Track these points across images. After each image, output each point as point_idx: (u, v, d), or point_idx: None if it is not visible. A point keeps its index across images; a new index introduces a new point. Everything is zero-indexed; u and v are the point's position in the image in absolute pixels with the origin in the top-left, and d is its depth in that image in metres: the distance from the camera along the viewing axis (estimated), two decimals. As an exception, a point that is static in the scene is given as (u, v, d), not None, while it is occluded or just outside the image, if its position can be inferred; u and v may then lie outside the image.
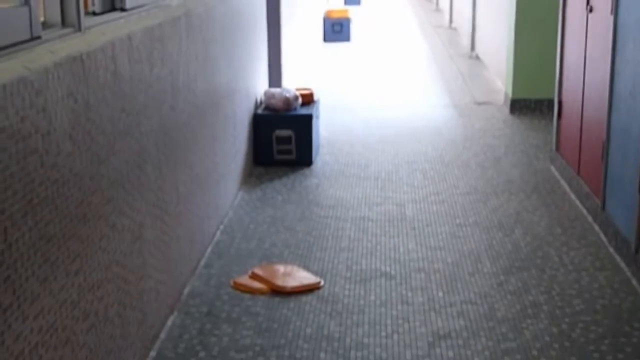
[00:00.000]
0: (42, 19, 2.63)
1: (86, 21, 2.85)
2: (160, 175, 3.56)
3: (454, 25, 14.77)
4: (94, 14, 3.05)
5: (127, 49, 3.07)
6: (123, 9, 3.27)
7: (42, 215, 2.34)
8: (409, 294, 4.04)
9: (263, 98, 6.31)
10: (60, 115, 2.44)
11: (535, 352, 3.47)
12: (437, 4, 18.68)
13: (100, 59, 2.78)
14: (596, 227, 4.83)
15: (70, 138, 2.52)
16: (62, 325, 2.50)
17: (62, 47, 2.56)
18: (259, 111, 6.18)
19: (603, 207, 4.73)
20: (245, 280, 4.15)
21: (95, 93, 2.73)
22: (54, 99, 2.40)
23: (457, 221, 5.03)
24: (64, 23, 2.72)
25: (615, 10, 4.50)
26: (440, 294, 4.04)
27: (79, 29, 2.77)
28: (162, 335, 3.61)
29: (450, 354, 3.46)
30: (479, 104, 8.50)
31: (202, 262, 4.38)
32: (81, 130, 2.61)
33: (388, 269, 4.34)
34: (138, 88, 3.22)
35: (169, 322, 3.72)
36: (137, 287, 3.25)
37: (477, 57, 11.24)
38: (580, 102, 5.29)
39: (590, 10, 5.04)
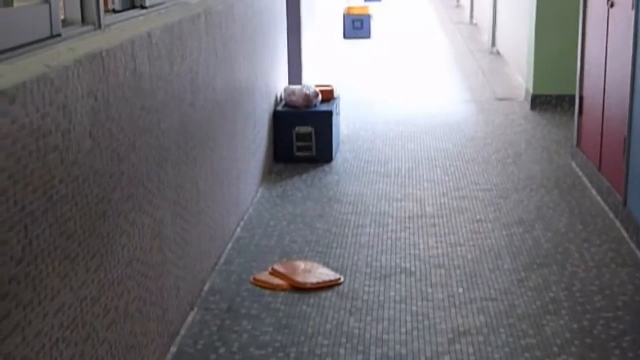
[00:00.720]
0: (62, 17, 2.64)
1: (106, 19, 2.85)
2: (180, 172, 3.57)
3: (474, 21, 14.72)
4: (114, 11, 3.06)
5: (147, 47, 3.08)
6: (143, 7, 3.28)
7: (63, 212, 2.35)
8: (429, 291, 4.03)
9: (283, 95, 6.31)
10: (80, 112, 2.45)
11: (556, 349, 3.45)
12: (458, 0, 18.62)
13: (120, 56, 2.79)
14: (618, 224, 4.80)
15: (90, 135, 2.53)
16: (83, 322, 2.51)
17: (82, 45, 2.57)
18: (279, 108, 6.19)
19: (625, 203, 4.71)
20: (265, 276, 4.15)
21: (115, 91, 2.74)
22: (74, 97, 2.41)
23: (478, 217, 5.02)
24: (84, 21, 2.73)
25: (637, 6, 4.48)
26: (461, 290, 4.03)
27: (99, 27, 2.78)
28: (183, 332, 3.62)
29: (471, 350, 3.46)
30: (500, 100, 8.47)
31: (223, 259, 4.40)
32: (101, 128, 2.62)
33: (408, 265, 4.33)
34: (158, 86, 3.23)
35: (190, 319, 3.73)
36: (157, 284, 3.26)
37: (498, 53, 11.20)
38: (602, 98, 5.26)
39: (612, 6, 5.01)
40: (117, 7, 3.09)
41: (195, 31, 3.82)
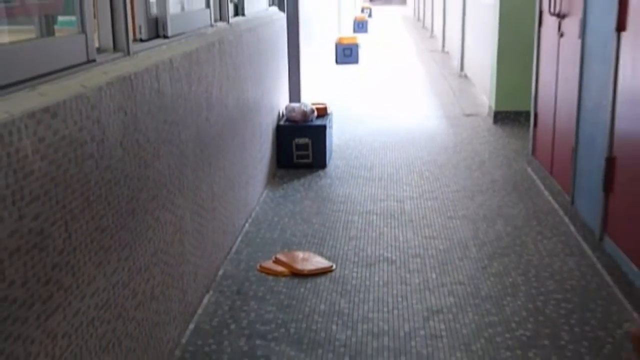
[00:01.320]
0: (96, 44, 2.64)
1: (134, 47, 2.85)
2: (197, 176, 3.56)
3: (446, 49, 14.74)
4: (141, 40, 3.05)
5: (169, 70, 3.07)
6: (165, 37, 3.27)
7: (97, 210, 2.34)
8: (407, 276, 4.02)
9: (284, 111, 6.31)
10: (112, 126, 2.44)
11: (514, 325, 3.44)
12: (432, 31, 18.63)
13: (146, 78, 2.78)
14: (566, 220, 4.80)
15: (120, 145, 2.52)
16: (115, 303, 2.50)
17: (113, 68, 2.56)
18: (281, 122, 6.18)
19: (572, 203, 4.70)
20: (269, 264, 4.14)
21: (141, 107, 2.74)
22: (107, 112, 2.40)
23: (448, 214, 5.01)
24: (115, 48, 2.72)
25: (583, 36, 4.48)
26: (434, 275, 4.02)
27: (128, 53, 2.77)
28: (200, 311, 3.61)
29: (442, 326, 3.45)
30: (467, 115, 8.47)
31: (234, 249, 4.38)
32: (130, 139, 2.62)
33: (390, 255, 4.33)
34: (178, 103, 3.22)
35: (205, 300, 3.72)
36: (178, 270, 3.25)
37: (466, 76, 11.21)
38: (553, 114, 5.26)
39: (561, 36, 5.01)
40: (144, 36, 3.08)
41: (210, 57, 3.81)
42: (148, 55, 2.94)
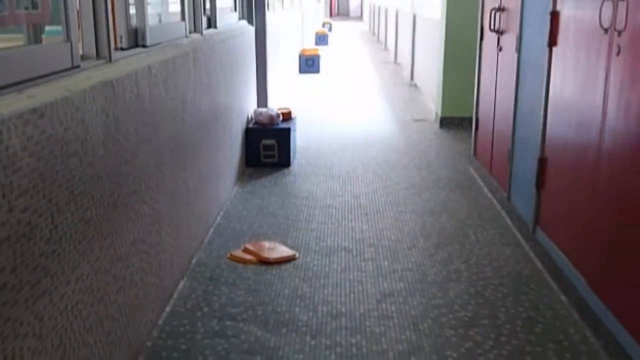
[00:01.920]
0: (80, 52, 2.60)
1: (115, 54, 2.81)
2: (173, 173, 3.53)
3: (398, 61, 14.80)
4: (122, 49, 3.01)
5: (148, 76, 3.04)
6: (145, 46, 3.23)
7: (81, 203, 2.30)
8: (363, 263, 4.03)
9: (253, 115, 6.28)
10: (95, 126, 2.40)
11: (456, 307, 3.47)
12: (386, 44, 18.70)
13: (126, 83, 2.75)
14: (503, 213, 4.85)
15: (103, 144, 2.49)
16: (97, 287, 2.47)
17: (96, 74, 2.52)
18: (250, 125, 6.15)
19: (509, 198, 4.75)
20: (239, 253, 4.12)
21: (122, 110, 2.70)
22: (90, 114, 2.36)
23: (399, 208, 5.03)
24: (98, 56, 2.68)
25: (519, 50, 4.53)
26: (386, 263, 4.04)
27: (110, 61, 2.73)
28: (175, 295, 3.57)
29: (393, 308, 3.46)
30: (416, 120, 8.51)
31: (206, 240, 4.35)
32: (111, 138, 2.58)
33: (347, 244, 4.33)
34: (156, 106, 3.18)
35: (180, 285, 3.69)
36: (156, 259, 3.22)
37: (416, 85, 11.27)
38: (492, 119, 5.31)
39: (500, 50, 5.06)
40: (124, 45, 3.04)
41: (185, 65, 3.77)
42: (128, 63, 2.90)
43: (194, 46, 4.04)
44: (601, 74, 3.08)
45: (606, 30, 3.02)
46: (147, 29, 3.24)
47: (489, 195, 5.29)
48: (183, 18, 4.08)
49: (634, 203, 2.80)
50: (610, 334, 2.98)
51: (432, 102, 9.08)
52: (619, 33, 2.88)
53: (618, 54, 2.90)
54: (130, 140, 2.81)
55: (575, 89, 3.46)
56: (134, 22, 3.18)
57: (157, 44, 3.45)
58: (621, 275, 2.94)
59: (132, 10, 3.17)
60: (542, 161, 3.98)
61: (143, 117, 2.98)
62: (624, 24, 2.84)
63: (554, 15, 3.75)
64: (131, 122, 2.81)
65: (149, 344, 3.10)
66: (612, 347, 2.96)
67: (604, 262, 3.12)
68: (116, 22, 2.97)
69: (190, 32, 4.22)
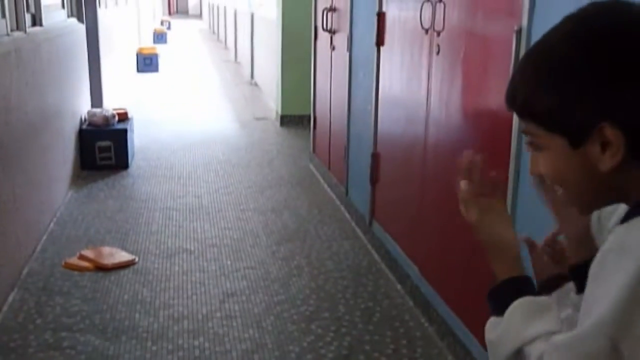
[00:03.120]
0: None
1: None
2: (-2, 179, 3.33)
3: (238, 60, 14.80)
4: None
5: (-37, 78, 2.85)
6: (-41, 45, 3.03)
7: None
8: (205, 264, 4.01)
9: (87, 116, 6.05)
10: None
11: (299, 302, 3.55)
12: (226, 43, 18.63)
13: (-62, 85, 2.56)
14: (342, 208, 5.00)
15: None
16: None
17: None
18: (84, 127, 5.92)
19: (347, 194, 4.90)
20: (74, 260, 3.96)
21: None
22: None
23: (241, 207, 5.05)
24: None
25: (350, 49, 4.67)
26: (229, 262, 4.04)
27: None
28: (5, 308, 3.38)
29: (237, 307, 3.48)
30: (258, 119, 8.57)
31: (39, 248, 4.14)
32: None
33: (189, 246, 4.29)
34: (-26, 109, 2.99)
35: (10, 298, 3.49)
36: (-20, 271, 3.03)
37: (256, 84, 11.32)
38: (329, 117, 5.44)
39: (333, 49, 5.20)
40: (-64, 44, 2.83)
41: (6, 65, 3.57)
42: (-60, 63, 2.71)
43: (17, 45, 3.83)
44: (424, 71, 3.26)
45: (427, 31, 3.20)
46: (-38, 26, 3.04)
47: (329, 191, 5.42)
48: (3, 15, 3.85)
49: (454, 193, 2.99)
50: (441, 319, 3.17)
51: (272, 100, 9.16)
52: (438, 33, 3.07)
53: (438, 52, 3.08)
54: (-55, 146, 2.62)
55: (402, 86, 3.64)
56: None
57: (-26, 42, 3.24)
58: (447, 261, 3.13)
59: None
60: (375, 156, 4.15)
61: (-41, 121, 2.79)
62: (442, 24, 3.02)
63: (380, 16, 3.92)
64: (-55, 126, 2.62)
65: (-25, 362, 2.92)
66: (443, 330, 3.15)
67: (432, 250, 3.31)
68: None
69: (12, 31, 3.99)
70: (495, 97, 2.58)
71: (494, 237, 1.15)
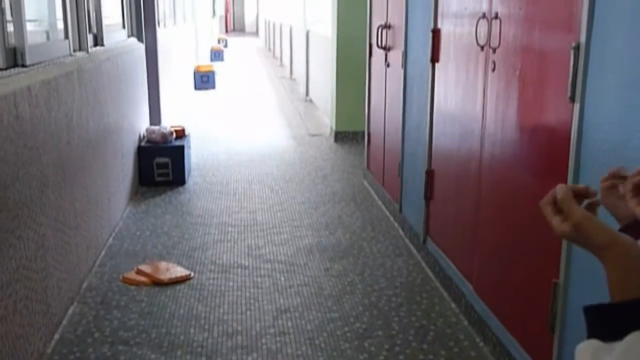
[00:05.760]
0: (-47, 73, 2.49)
1: (-8, 75, 2.71)
2: (59, 196, 3.41)
3: (293, 76, 14.92)
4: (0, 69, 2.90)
5: (27, 97, 2.93)
6: (24, 65, 3.13)
7: (-45, 231, 2.20)
8: (259, 280, 4.03)
9: (145, 133, 6.17)
10: (-31, 150, 2.30)
11: (352, 319, 3.52)
12: (281, 60, 18.81)
13: (4, 105, 2.64)
14: (396, 225, 4.97)
15: (-21, 168, 2.38)
16: (-25, 319, 2.35)
17: (-30, 96, 2.42)
18: (143, 143, 6.04)
19: (400, 210, 4.87)
20: (132, 275, 4.03)
21: None
22: (-36, 138, 2.26)
23: (295, 224, 5.06)
24: (-28, 77, 2.58)
25: (405, 66, 4.66)
26: (282, 279, 4.05)
27: (-14, 82, 2.63)
28: (64, 322, 3.45)
29: (290, 324, 3.48)
30: (312, 135, 8.60)
31: (97, 262, 4.23)
32: (-11, 162, 2.48)
33: (243, 261, 4.32)
34: (38, 128, 3.08)
35: (70, 311, 3.57)
36: (41, 285, 3.10)
37: (311, 101, 11.39)
38: (383, 133, 5.43)
39: (388, 66, 5.20)
40: (2, 65, 2.93)
41: (69, 84, 3.67)
42: (5, 84, 2.79)
43: (79, 65, 3.94)
44: (479, 88, 3.22)
45: (482, 47, 3.16)
46: (27, 48, 3.14)
47: (383, 207, 5.40)
48: (66, 36, 3.97)
49: (510, 209, 2.94)
50: (496, 338, 3.10)
51: (327, 117, 9.19)
52: (494, 50, 3.03)
53: (493, 69, 3.04)
54: (9, 163, 2.70)
55: (457, 103, 3.60)
56: (12, 40, 3.07)
57: (38, 63, 3.34)
58: (503, 279, 3.07)
59: (10, 29, 3.06)
60: (429, 173, 4.11)
61: (24, 139, 2.87)
62: (498, 41, 2.99)
63: (435, 33, 3.89)
64: (10, 145, 2.70)
65: (36, 374, 2.98)
66: (498, 350, 3.09)
67: (487, 268, 3.25)
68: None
69: (75, 51, 4.11)
70: (553, 114, 2.53)
71: (598, 237, 0.97)
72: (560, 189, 1.04)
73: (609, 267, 0.94)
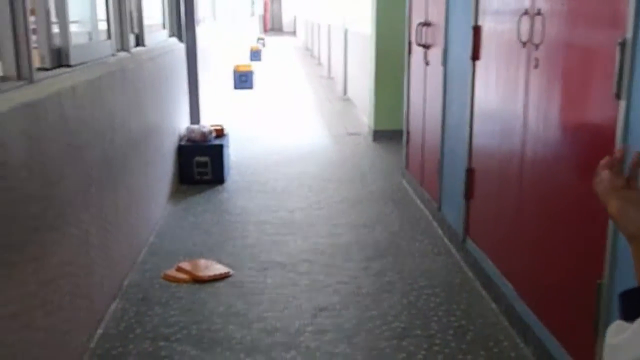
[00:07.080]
0: (0, 73, 2.54)
1: (37, 75, 2.75)
2: (102, 194, 3.47)
3: (331, 75, 14.92)
4: (45, 69, 2.96)
5: (72, 97, 2.98)
6: (69, 65, 3.18)
7: (4, 228, 2.24)
8: (297, 278, 4.03)
9: (185, 132, 6.23)
10: (16, 149, 2.34)
11: (390, 318, 3.51)
12: (319, 59, 18.83)
13: (49, 105, 2.69)
14: (435, 224, 4.93)
15: (25, 167, 2.43)
16: (23, 313, 2.40)
17: (17, 96, 2.46)
18: (182, 142, 6.10)
19: (439, 209, 4.84)
20: (172, 272, 4.07)
21: (45, 131, 2.64)
22: (11, 136, 2.31)
23: (333, 222, 5.06)
24: (19, 77, 2.62)
25: (445, 63, 4.63)
26: (321, 277, 4.05)
27: (31, 82, 2.67)
28: (107, 317, 3.50)
29: (328, 322, 3.48)
30: (350, 134, 8.59)
31: (139, 260, 4.29)
32: (35, 161, 2.52)
33: (282, 259, 4.33)
34: (82, 126, 3.13)
35: (112, 307, 3.62)
36: (85, 281, 3.15)
37: (349, 99, 11.38)
38: (422, 132, 5.40)
39: (427, 64, 5.16)
40: (48, 65, 2.98)
41: (112, 84, 3.72)
42: (51, 83, 2.84)
43: (122, 65, 4.00)
44: (521, 85, 3.17)
45: (524, 44, 3.12)
46: (71, 48, 3.19)
47: (421, 206, 5.37)
48: (109, 36, 4.03)
49: (553, 209, 2.90)
50: (538, 340, 3.06)
51: (365, 115, 9.17)
52: (536, 46, 2.98)
53: (536, 66, 3.00)
54: (55, 161, 2.75)
55: (498, 101, 3.56)
56: (57, 41, 3.12)
57: (82, 63, 3.39)
58: (544, 279, 3.02)
59: (56, 30, 3.12)
60: (470, 172, 4.07)
61: (68, 138, 2.92)
62: (540, 37, 2.94)
63: (476, 30, 3.85)
64: (55, 143, 2.75)
65: (79, 369, 3.03)
66: (540, 352, 3.04)
67: (528, 267, 3.21)
68: (38, 41, 2.91)
69: (117, 51, 4.17)
70: (597, 111, 2.48)
71: (636, 227, 1.06)
72: (599, 183, 1.12)
73: (636, 255, 1.03)
